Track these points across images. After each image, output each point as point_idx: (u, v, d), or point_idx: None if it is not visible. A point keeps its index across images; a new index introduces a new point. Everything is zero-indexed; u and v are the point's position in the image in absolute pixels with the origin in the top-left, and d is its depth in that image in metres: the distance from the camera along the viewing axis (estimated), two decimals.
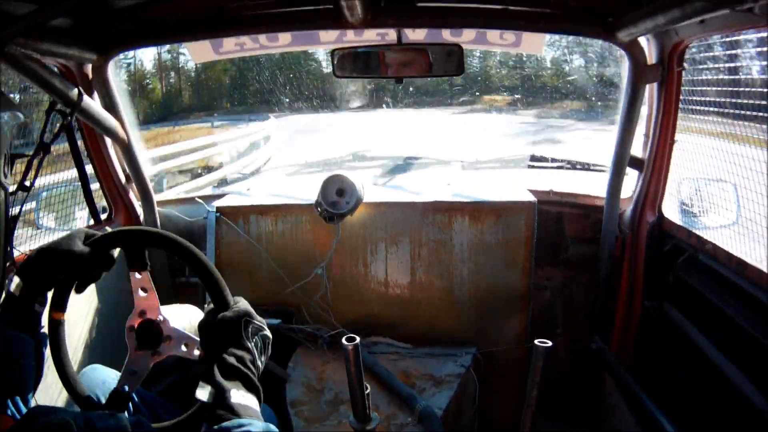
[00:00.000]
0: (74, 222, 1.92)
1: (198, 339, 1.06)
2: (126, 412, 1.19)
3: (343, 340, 1.36)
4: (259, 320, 0.98)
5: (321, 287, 1.96)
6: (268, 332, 0.98)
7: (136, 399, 1.26)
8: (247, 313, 0.97)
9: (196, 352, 1.09)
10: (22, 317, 0.99)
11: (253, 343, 0.95)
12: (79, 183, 1.82)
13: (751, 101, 1.39)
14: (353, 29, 1.74)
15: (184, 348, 1.10)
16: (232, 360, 0.90)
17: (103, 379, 1.23)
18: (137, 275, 1.10)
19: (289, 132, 11.62)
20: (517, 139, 10.68)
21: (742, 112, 1.41)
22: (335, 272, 1.96)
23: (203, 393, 0.85)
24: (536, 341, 1.33)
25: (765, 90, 1.36)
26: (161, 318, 1.11)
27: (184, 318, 1.21)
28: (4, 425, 0.79)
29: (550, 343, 1.32)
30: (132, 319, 1.11)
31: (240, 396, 0.86)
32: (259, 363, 0.94)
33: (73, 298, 1.15)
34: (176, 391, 1.71)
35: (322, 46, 2.15)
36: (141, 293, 1.11)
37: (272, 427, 0.83)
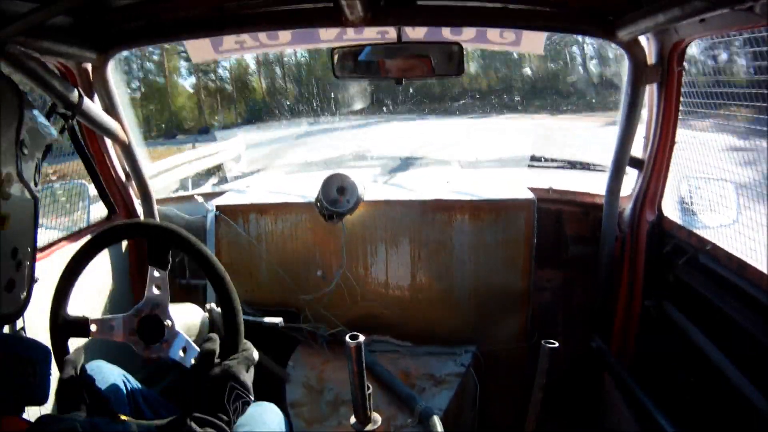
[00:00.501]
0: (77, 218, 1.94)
1: (195, 347, 1.10)
2: (128, 412, 1.20)
3: (347, 338, 1.36)
4: (244, 386, 1.01)
5: (323, 286, 1.96)
6: (249, 398, 1.01)
7: (139, 399, 1.27)
8: (235, 378, 1.00)
9: (192, 360, 1.10)
10: None
11: (232, 408, 0.98)
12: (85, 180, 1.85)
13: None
14: (353, 27, 1.74)
15: (181, 353, 1.11)
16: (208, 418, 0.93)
17: (105, 375, 1.24)
18: (156, 273, 1.13)
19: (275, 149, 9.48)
20: None
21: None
22: (335, 271, 1.97)
23: None
24: (543, 342, 1.32)
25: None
26: (168, 322, 1.12)
27: (185, 318, 1.22)
28: (17, 427, 0.79)
29: (556, 344, 1.31)
30: (139, 310, 1.12)
31: None
32: (233, 425, 0.97)
33: (74, 295, 1.16)
34: (177, 391, 1.71)
35: (322, 45, 2.14)
36: (155, 290, 1.14)
37: None
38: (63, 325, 1.12)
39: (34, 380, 0.89)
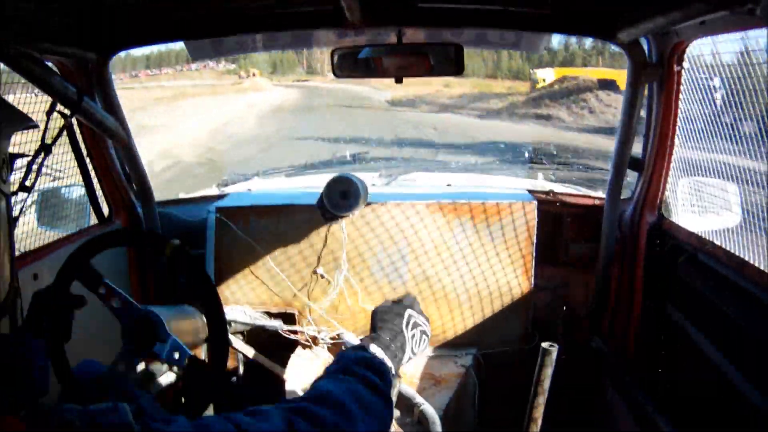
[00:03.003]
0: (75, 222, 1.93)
1: (188, 351, 1.15)
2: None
3: (347, 341, 1.36)
4: (422, 320, 1.12)
5: (324, 289, 1.96)
6: (427, 330, 1.11)
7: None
8: (412, 307, 1.14)
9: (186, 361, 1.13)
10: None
11: (410, 333, 1.08)
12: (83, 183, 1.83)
13: None
14: (354, 29, 1.74)
15: (175, 356, 1.13)
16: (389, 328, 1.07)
17: (96, 374, 1.24)
18: None
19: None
20: None
21: None
22: (336, 274, 1.96)
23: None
24: (543, 343, 1.32)
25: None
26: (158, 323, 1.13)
27: (181, 320, 1.22)
28: (15, 428, 0.79)
29: (556, 346, 1.31)
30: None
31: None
32: (408, 349, 1.06)
33: None
34: (171, 394, 1.70)
35: (322, 45, 2.14)
36: None
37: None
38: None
39: (31, 379, 0.89)
